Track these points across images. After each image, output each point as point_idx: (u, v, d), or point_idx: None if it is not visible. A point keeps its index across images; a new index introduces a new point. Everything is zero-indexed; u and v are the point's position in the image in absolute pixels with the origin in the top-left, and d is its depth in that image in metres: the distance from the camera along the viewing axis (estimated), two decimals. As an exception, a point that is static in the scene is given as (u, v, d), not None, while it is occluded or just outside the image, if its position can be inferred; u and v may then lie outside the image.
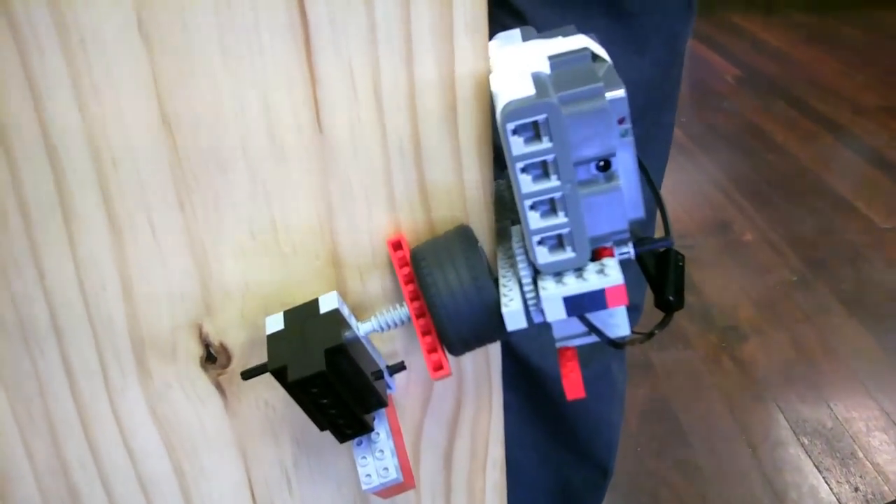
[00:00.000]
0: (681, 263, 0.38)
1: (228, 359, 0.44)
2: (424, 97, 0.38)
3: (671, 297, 0.37)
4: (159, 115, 0.38)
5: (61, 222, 0.40)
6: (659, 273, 0.38)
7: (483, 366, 0.46)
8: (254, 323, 0.43)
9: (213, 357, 0.44)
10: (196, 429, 0.45)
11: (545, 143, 0.32)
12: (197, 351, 0.43)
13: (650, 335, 0.37)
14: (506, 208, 0.42)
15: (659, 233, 0.40)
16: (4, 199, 0.39)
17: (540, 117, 0.31)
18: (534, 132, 0.32)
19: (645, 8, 0.65)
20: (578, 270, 0.34)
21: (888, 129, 2.65)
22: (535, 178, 0.33)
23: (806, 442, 1.42)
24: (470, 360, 0.46)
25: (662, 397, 1.54)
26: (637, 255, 0.37)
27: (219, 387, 0.44)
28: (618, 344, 0.37)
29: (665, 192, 2.04)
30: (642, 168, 0.37)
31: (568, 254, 0.34)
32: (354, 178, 0.40)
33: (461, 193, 0.41)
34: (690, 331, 1.73)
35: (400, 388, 0.46)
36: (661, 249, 0.38)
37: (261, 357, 0.42)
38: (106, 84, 0.37)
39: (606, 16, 0.64)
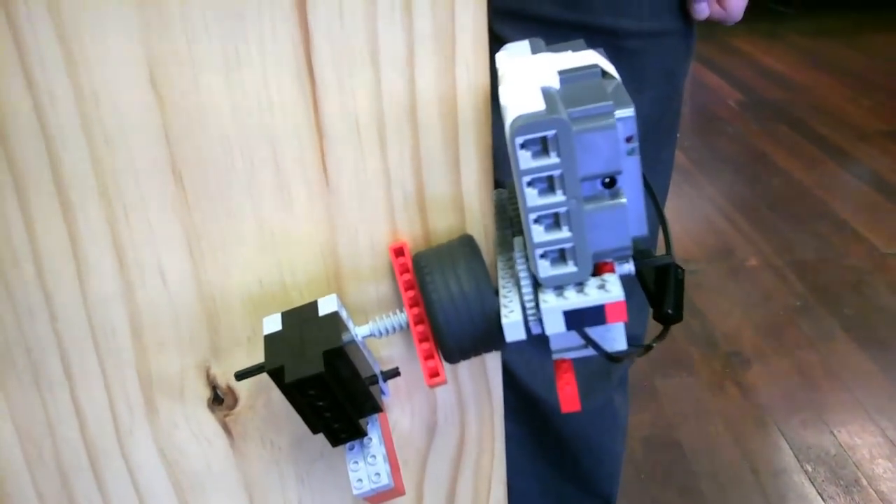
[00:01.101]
0: (680, 277, 0.38)
1: (235, 400, 0.45)
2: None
3: (670, 311, 0.37)
4: (170, 164, 0.39)
5: (73, 269, 0.41)
6: (658, 287, 0.38)
7: (487, 409, 0.47)
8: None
9: (220, 398, 0.45)
10: (203, 468, 0.46)
11: (553, 159, 0.32)
12: (204, 392, 0.44)
13: (648, 348, 0.38)
14: (506, 217, 0.42)
15: (660, 249, 0.41)
16: (19, 247, 0.40)
17: (549, 133, 0.31)
18: (542, 147, 0.32)
19: (644, 48, 0.66)
20: (579, 285, 0.35)
21: (891, 154, 2.66)
22: (541, 193, 0.33)
23: (809, 469, 1.42)
24: (473, 402, 0.47)
25: (666, 423, 1.55)
26: (637, 270, 0.37)
27: (225, 427, 0.45)
28: (615, 358, 0.37)
29: (669, 216, 2.04)
30: (646, 186, 0.37)
31: (570, 268, 0.34)
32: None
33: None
34: (694, 357, 1.73)
35: (403, 429, 0.47)
36: (660, 262, 0.38)
37: (267, 401, 0.43)
38: (118, 136, 0.38)
39: (605, 54, 0.66)
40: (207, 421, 0.45)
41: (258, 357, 0.44)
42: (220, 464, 0.46)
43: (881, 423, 1.52)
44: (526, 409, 0.80)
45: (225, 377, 0.44)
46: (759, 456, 1.46)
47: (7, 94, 0.37)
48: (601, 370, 0.81)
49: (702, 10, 0.66)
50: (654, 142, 0.71)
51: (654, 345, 0.37)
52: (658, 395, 1.63)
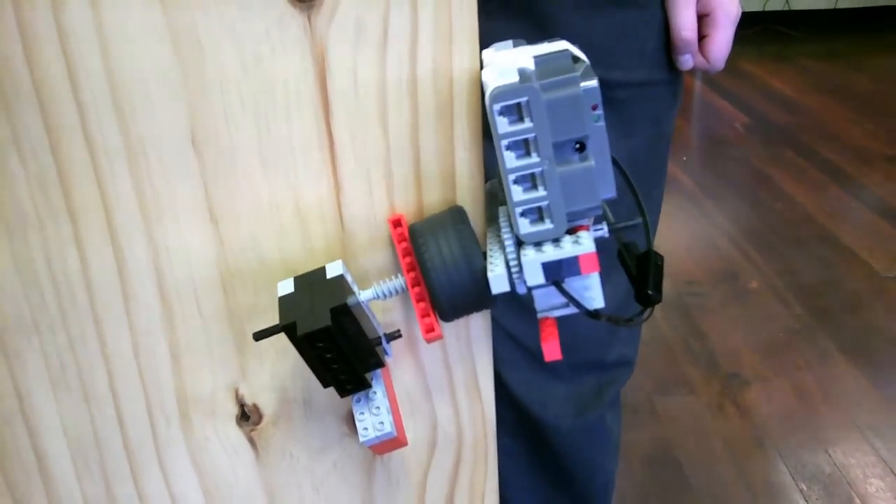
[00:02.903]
0: (659, 263, 0.42)
1: (260, 417, 0.51)
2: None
3: (650, 292, 0.41)
4: (208, 211, 0.46)
5: (122, 303, 0.47)
6: (640, 271, 0.42)
7: (481, 429, 0.53)
8: (282, 386, 0.50)
9: (246, 415, 0.51)
10: (230, 477, 0.52)
11: (527, 124, 0.37)
12: (233, 410, 0.50)
13: (629, 320, 0.41)
14: (496, 202, 0.46)
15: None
16: (75, 282, 0.46)
17: (522, 99, 0.36)
18: (517, 114, 0.37)
19: (632, 97, 0.72)
20: (556, 241, 0.39)
21: (893, 178, 2.70)
22: (519, 156, 0.37)
23: (804, 488, 1.47)
24: (469, 422, 0.52)
25: (666, 442, 1.60)
26: (610, 233, 0.41)
27: (251, 441, 0.51)
28: (594, 315, 0.41)
29: (674, 239, 2.10)
30: (617, 165, 0.41)
31: (547, 225, 0.38)
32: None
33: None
34: (695, 377, 1.78)
35: (405, 448, 0.52)
36: (642, 251, 0.42)
37: (288, 418, 0.50)
38: (163, 188, 0.45)
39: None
40: (235, 435, 0.51)
41: (281, 377, 0.50)
42: (246, 473, 0.52)
43: (875, 443, 1.56)
44: (523, 426, 0.86)
45: (251, 396, 0.50)
46: (756, 474, 1.51)
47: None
48: (594, 392, 0.86)
49: (686, 62, 0.72)
50: (644, 182, 0.77)
51: (635, 319, 0.41)
52: (658, 414, 1.68)
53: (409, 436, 0.52)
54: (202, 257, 0.46)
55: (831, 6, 4.35)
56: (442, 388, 0.52)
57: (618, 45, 0.69)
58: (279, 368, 0.50)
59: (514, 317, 0.80)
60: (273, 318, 0.48)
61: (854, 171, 2.77)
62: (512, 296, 0.76)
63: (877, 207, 2.51)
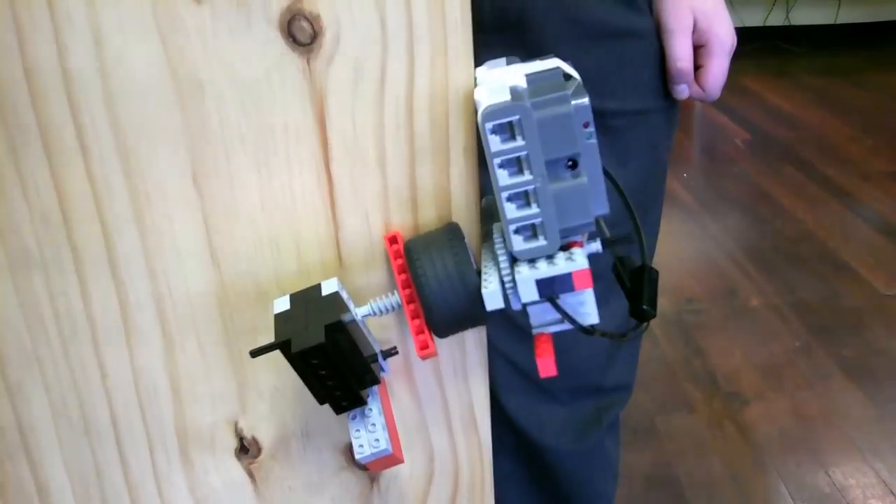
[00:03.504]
0: (654, 277, 0.42)
1: (259, 450, 0.51)
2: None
3: (645, 307, 0.41)
4: (208, 246, 0.46)
5: (123, 337, 0.48)
6: (634, 285, 0.42)
7: (477, 459, 0.53)
8: (281, 420, 0.50)
9: (245, 448, 0.51)
10: (229, 509, 0.53)
11: (519, 142, 0.37)
12: (232, 443, 0.51)
13: (622, 335, 0.42)
14: (492, 219, 0.46)
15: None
16: (77, 316, 0.47)
17: (514, 118, 0.36)
18: (509, 132, 0.37)
19: (628, 126, 0.73)
20: (550, 257, 0.39)
21: (893, 195, 2.71)
22: (512, 174, 0.38)
23: (804, 508, 1.47)
24: (465, 453, 0.53)
25: (666, 462, 1.60)
26: (603, 248, 0.41)
27: (250, 474, 0.52)
28: (588, 330, 0.41)
29: (674, 255, 2.10)
30: (611, 178, 0.42)
31: (540, 242, 0.39)
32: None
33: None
34: (695, 396, 1.78)
35: (404, 476, 0.53)
36: (637, 265, 0.42)
37: (286, 452, 0.50)
38: (164, 227, 0.45)
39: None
40: (234, 468, 0.52)
41: (280, 410, 0.50)
42: (244, 505, 0.53)
43: (875, 464, 1.56)
44: (522, 451, 0.86)
45: (250, 430, 0.51)
46: (756, 494, 1.51)
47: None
48: (592, 417, 0.87)
49: (682, 91, 0.72)
50: (640, 207, 0.78)
51: (629, 334, 0.41)
52: (659, 432, 1.68)
53: (405, 468, 0.53)
54: (202, 292, 0.47)
55: (831, 21, 4.36)
56: (437, 416, 0.52)
57: (614, 75, 0.70)
58: (278, 401, 0.50)
59: (511, 342, 0.80)
60: (273, 358, 0.49)
61: (854, 187, 2.78)
62: (510, 320, 0.77)
63: (877, 224, 2.51)
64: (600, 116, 0.72)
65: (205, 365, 0.49)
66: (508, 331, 0.79)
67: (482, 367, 0.51)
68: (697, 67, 0.72)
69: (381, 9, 0.42)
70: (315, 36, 0.42)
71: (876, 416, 1.69)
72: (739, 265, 2.30)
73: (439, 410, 0.52)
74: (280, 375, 0.49)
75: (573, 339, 0.82)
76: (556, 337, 0.82)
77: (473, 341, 0.50)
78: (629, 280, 0.42)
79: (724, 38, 0.70)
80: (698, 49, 0.71)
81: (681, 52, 0.69)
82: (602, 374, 0.85)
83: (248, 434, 0.51)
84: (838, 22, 4.38)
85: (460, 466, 0.53)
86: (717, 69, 0.71)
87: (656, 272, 0.42)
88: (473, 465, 0.53)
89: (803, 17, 4.37)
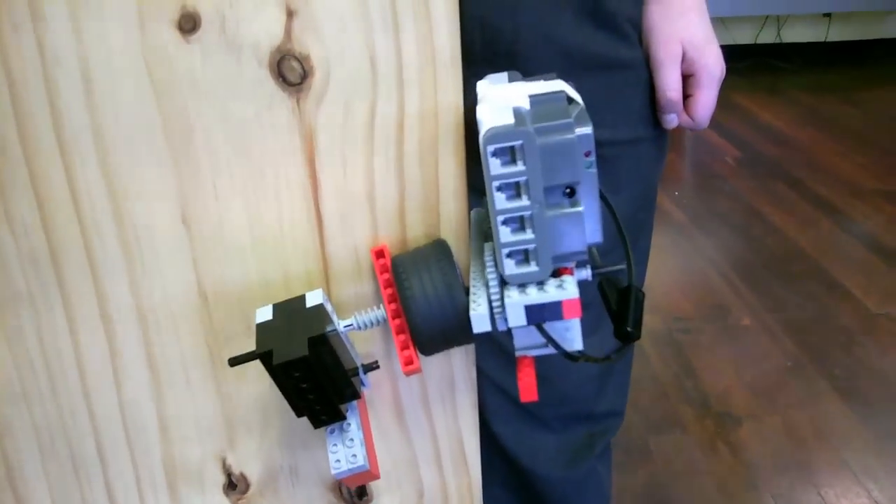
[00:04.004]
0: (640, 299, 0.41)
1: (247, 486, 0.51)
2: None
3: (630, 329, 0.40)
4: (197, 286, 0.46)
5: (111, 374, 0.48)
6: (620, 307, 0.41)
7: (466, 494, 0.53)
8: (269, 456, 0.50)
9: (234, 484, 0.51)
10: (217, 545, 0.52)
11: (519, 167, 0.36)
12: (220, 479, 0.51)
13: (606, 358, 0.41)
14: (481, 233, 0.46)
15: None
16: (65, 354, 0.47)
17: (516, 143, 0.36)
18: (510, 156, 0.36)
19: (619, 155, 0.73)
20: (540, 284, 0.39)
21: (884, 212, 2.72)
22: (509, 197, 0.37)
23: (797, 529, 1.46)
24: (455, 491, 0.53)
25: (658, 482, 1.59)
26: (593, 276, 0.41)
27: (238, 510, 0.52)
28: (572, 357, 0.40)
29: (665, 274, 2.11)
30: (606, 202, 0.41)
31: (532, 268, 0.38)
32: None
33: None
34: (687, 416, 1.78)
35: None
36: (624, 286, 0.41)
37: (274, 489, 0.50)
38: (153, 266, 0.45)
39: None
40: (223, 504, 0.51)
41: (268, 446, 0.50)
42: (232, 541, 0.52)
43: (867, 484, 1.56)
44: (513, 478, 0.86)
45: (238, 466, 0.50)
46: (748, 515, 1.51)
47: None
48: (584, 444, 0.86)
49: (671, 121, 0.73)
50: (632, 232, 0.78)
51: (613, 357, 0.41)
52: (651, 453, 1.67)
53: (394, 499, 0.53)
54: (191, 330, 0.47)
55: (822, 39, 4.39)
56: (426, 451, 0.52)
57: (604, 106, 0.70)
58: (266, 437, 0.50)
59: (502, 369, 0.80)
60: (261, 386, 0.49)
61: (845, 205, 2.79)
62: (500, 347, 0.77)
63: (867, 242, 2.52)
64: (591, 146, 0.73)
65: (192, 400, 0.49)
66: (499, 358, 0.79)
67: (472, 406, 0.51)
68: (687, 97, 0.72)
69: (370, 49, 0.42)
70: (305, 76, 0.42)
71: (868, 436, 1.69)
72: (731, 283, 2.31)
73: (428, 444, 0.52)
74: (268, 411, 0.49)
75: (564, 367, 0.82)
76: (547, 365, 0.82)
77: (462, 378, 0.50)
78: (615, 302, 0.42)
79: (712, 69, 0.71)
80: (687, 79, 0.71)
81: (670, 83, 0.70)
82: (593, 402, 0.85)
83: (236, 470, 0.51)
84: (829, 39, 4.41)
85: (449, 499, 0.53)
86: (706, 99, 0.71)
87: (643, 294, 0.42)
88: (463, 497, 0.53)
89: (794, 34, 4.40)
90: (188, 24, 0.41)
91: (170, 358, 0.48)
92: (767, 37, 4.35)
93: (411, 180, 0.45)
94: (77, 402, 0.48)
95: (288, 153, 0.43)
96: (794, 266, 2.40)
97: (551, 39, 0.66)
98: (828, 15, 4.32)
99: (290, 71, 0.42)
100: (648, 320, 2.12)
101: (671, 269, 2.41)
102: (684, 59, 0.70)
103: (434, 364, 0.50)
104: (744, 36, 4.27)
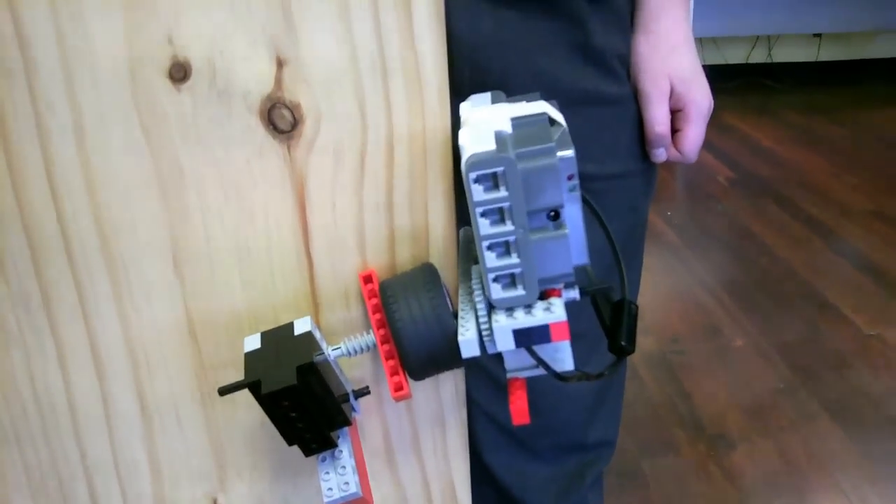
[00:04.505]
0: (634, 312, 0.41)
1: (238, 526, 0.51)
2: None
3: (623, 343, 0.40)
4: (187, 326, 0.46)
5: (103, 416, 0.48)
6: (614, 321, 0.41)
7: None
8: (260, 498, 0.50)
9: (225, 525, 0.51)
10: (208, 585, 0.52)
11: (502, 192, 0.36)
12: (212, 520, 0.51)
13: (599, 375, 0.41)
14: (469, 253, 0.46)
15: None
16: (56, 396, 0.47)
17: (498, 169, 0.36)
18: (493, 182, 0.36)
19: (607, 188, 0.74)
20: (528, 307, 0.39)
21: (875, 233, 2.74)
22: (493, 223, 0.37)
23: (790, 553, 1.46)
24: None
25: (652, 506, 1.59)
26: (582, 296, 0.40)
27: (229, 550, 0.52)
28: (563, 377, 0.40)
29: (658, 295, 2.11)
30: (601, 223, 0.41)
31: (519, 291, 0.38)
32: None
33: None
34: (680, 438, 1.78)
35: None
36: (617, 300, 0.41)
37: (266, 530, 0.50)
38: (144, 308, 0.46)
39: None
40: (214, 545, 0.51)
41: (259, 490, 0.50)
42: (223, 582, 0.52)
43: (860, 507, 1.56)
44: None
45: (230, 506, 0.51)
46: (741, 539, 1.51)
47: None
48: (576, 474, 0.87)
49: (660, 155, 0.73)
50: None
51: (606, 373, 0.40)
52: (645, 477, 1.67)
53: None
54: (183, 371, 0.47)
55: (813, 59, 4.43)
56: (418, 494, 0.52)
57: (591, 141, 0.70)
58: (257, 480, 0.50)
59: (493, 399, 0.80)
60: (252, 421, 0.49)
61: (836, 225, 2.80)
62: (490, 376, 0.77)
63: (858, 263, 2.53)
64: (580, 180, 0.73)
65: (184, 443, 0.49)
66: (490, 388, 0.79)
67: (462, 439, 0.51)
68: (675, 131, 0.73)
69: (359, 97, 0.42)
70: (295, 124, 0.42)
71: (860, 459, 1.70)
72: (723, 304, 2.31)
73: (418, 484, 0.52)
74: (258, 449, 0.49)
75: (555, 398, 0.82)
76: (539, 396, 0.82)
77: (453, 415, 0.51)
78: (608, 316, 0.41)
79: (700, 104, 0.71)
80: (675, 113, 0.72)
81: (658, 118, 0.70)
82: (585, 432, 0.85)
83: (227, 511, 0.51)
84: (819, 59, 4.45)
85: (441, 539, 0.53)
86: (695, 134, 0.72)
87: (636, 307, 0.42)
88: (454, 537, 0.53)
89: (785, 54, 4.43)
90: (179, 73, 0.41)
91: (161, 400, 0.48)
92: (758, 56, 4.38)
93: (400, 213, 0.45)
94: (69, 444, 0.48)
95: (279, 199, 0.44)
96: (785, 286, 2.41)
97: (540, 76, 0.67)
98: (818, 35, 4.35)
99: (281, 119, 0.42)
100: (641, 341, 2.12)
101: (663, 289, 2.41)
102: (672, 94, 0.71)
103: (423, 398, 0.50)
104: (735, 55, 4.30)
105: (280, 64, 0.41)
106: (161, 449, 0.49)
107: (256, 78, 0.41)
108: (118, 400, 0.48)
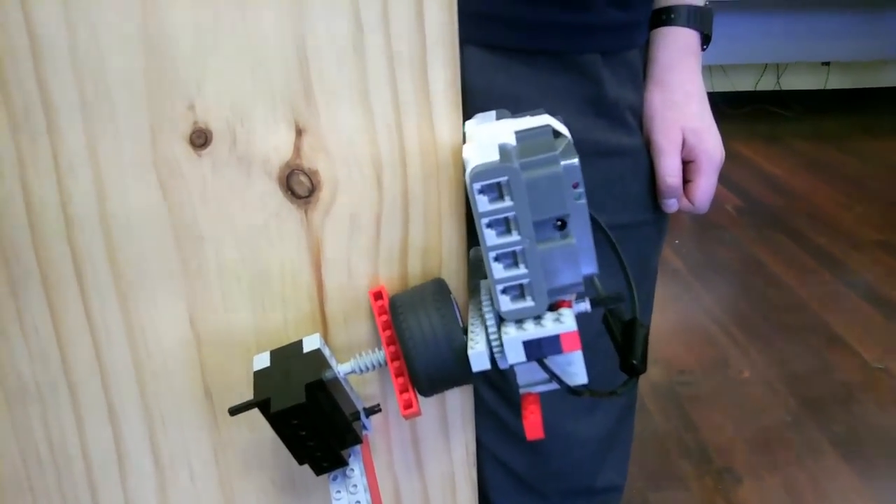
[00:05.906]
0: (644, 334, 0.41)
1: (248, 580, 0.51)
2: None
3: (635, 362, 0.40)
4: (202, 385, 0.47)
5: (117, 470, 0.48)
6: (626, 340, 0.41)
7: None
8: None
9: (235, 578, 0.51)
10: None
11: (507, 202, 0.36)
12: (222, 573, 0.51)
13: (612, 393, 0.40)
14: (479, 273, 0.46)
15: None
16: (71, 450, 0.48)
17: (502, 179, 0.36)
18: (497, 192, 0.36)
19: (619, 238, 0.74)
20: (538, 318, 0.39)
21: (883, 264, 2.73)
22: (499, 234, 0.37)
23: (797, 592, 1.46)
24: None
25: (657, 542, 1.59)
26: (592, 308, 0.40)
27: None
28: (576, 391, 0.40)
29: (666, 325, 2.11)
30: (607, 237, 0.41)
31: (528, 303, 0.38)
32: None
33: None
34: (687, 472, 1.78)
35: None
36: (628, 318, 0.41)
37: (276, 585, 0.50)
38: (161, 368, 0.46)
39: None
40: None
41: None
42: None
43: (867, 545, 1.55)
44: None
45: (240, 560, 0.51)
46: (748, 576, 1.50)
47: (73, 334, 0.45)
48: (582, 494, 0.87)
49: (671, 206, 0.74)
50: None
51: (619, 391, 0.40)
52: (651, 510, 1.67)
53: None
54: (197, 427, 0.48)
55: (821, 87, 4.44)
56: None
57: (603, 191, 0.71)
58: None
59: (502, 443, 0.80)
60: (263, 479, 0.49)
61: (844, 256, 2.80)
62: (500, 421, 0.77)
63: (866, 294, 2.53)
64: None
65: (196, 494, 0.49)
66: (499, 432, 0.79)
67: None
68: (687, 182, 0.73)
69: (377, 167, 0.43)
70: (313, 190, 0.43)
71: (867, 495, 1.69)
72: (731, 335, 2.31)
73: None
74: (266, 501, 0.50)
75: (565, 444, 0.82)
76: (549, 440, 0.82)
77: (461, 466, 0.51)
78: (620, 335, 0.42)
79: (712, 155, 0.72)
80: (687, 164, 0.73)
81: (670, 169, 0.71)
82: (593, 476, 0.85)
83: (238, 565, 0.51)
84: (828, 87, 4.46)
85: None
86: (706, 185, 0.72)
87: (646, 329, 0.42)
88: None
89: (794, 82, 4.44)
90: (199, 139, 0.42)
91: (175, 453, 0.48)
92: (767, 84, 4.39)
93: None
94: (83, 496, 0.49)
95: (295, 261, 0.45)
96: (793, 318, 2.40)
97: (552, 128, 0.67)
98: (827, 63, 4.36)
99: (299, 185, 0.43)
100: (648, 371, 2.12)
101: (671, 319, 2.41)
102: (684, 145, 0.72)
103: (431, 435, 0.50)
104: (744, 83, 4.31)
105: (299, 132, 0.42)
106: (172, 501, 0.49)
107: (276, 146, 0.42)
108: (132, 454, 0.48)
